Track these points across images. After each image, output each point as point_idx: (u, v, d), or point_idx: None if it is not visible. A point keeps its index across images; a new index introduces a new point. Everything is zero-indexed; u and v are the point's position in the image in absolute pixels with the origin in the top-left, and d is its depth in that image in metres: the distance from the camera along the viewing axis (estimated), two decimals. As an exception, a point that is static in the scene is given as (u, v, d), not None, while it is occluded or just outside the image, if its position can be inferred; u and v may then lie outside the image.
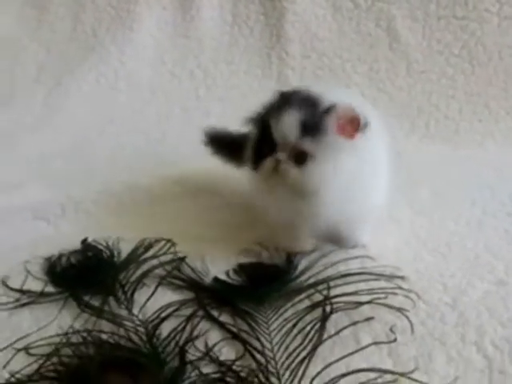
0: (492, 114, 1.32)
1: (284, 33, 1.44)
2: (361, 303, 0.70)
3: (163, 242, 0.86)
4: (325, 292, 0.72)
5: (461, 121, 1.32)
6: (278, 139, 0.72)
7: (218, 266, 0.81)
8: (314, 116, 0.71)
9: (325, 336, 0.67)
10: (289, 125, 0.71)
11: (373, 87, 1.37)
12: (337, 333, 0.67)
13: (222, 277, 0.78)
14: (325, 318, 0.68)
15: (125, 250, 0.85)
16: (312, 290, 0.73)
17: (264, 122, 0.73)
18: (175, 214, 1.00)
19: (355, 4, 1.43)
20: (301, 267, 0.79)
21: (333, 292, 0.72)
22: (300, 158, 0.71)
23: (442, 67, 1.36)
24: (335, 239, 0.83)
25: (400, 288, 0.72)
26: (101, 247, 0.87)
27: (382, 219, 0.88)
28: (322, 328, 0.67)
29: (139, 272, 0.80)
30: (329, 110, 0.71)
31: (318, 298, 0.73)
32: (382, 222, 0.88)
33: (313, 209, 0.74)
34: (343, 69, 1.40)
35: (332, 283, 0.74)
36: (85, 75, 1.45)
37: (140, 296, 0.75)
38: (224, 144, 0.98)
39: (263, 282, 0.76)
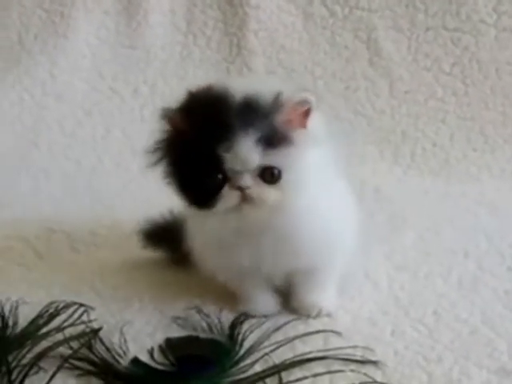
0: (488, 143, 1.25)
1: (246, 44, 1.36)
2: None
3: (75, 307, 0.78)
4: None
5: (452, 150, 1.25)
6: (233, 168, 0.64)
7: (140, 340, 0.74)
8: (268, 123, 0.64)
9: None
10: (248, 150, 0.63)
11: (349, 109, 1.29)
12: None
13: (144, 357, 0.70)
14: None
15: (25, 317, 0.77)
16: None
17: (201, 152, 0.64)
18: (99, 264, 0.93)
19: (330, 11, 1.36)
20: (247, 344, 0.71)
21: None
22: (271, 175, 0.65)
23: (431, 86, 1.29)
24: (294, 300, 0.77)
25: (373, 381, 0.63)
26: (-7, 314, 0.79)
27: (353, 276, 0.82)
28: None
29: (37, 350, 0.71)
30: (276, 104, 0.64)
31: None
32: (354, 280, 0.83)
33: (276, 244, 0.69)
34: (315, 87, 1.31)
35: (285, 374, 0.65)
36: (7, 90, 1.35)
37: (31, 386, 0.66)
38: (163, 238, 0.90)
39: (195, 367, 0.68)
